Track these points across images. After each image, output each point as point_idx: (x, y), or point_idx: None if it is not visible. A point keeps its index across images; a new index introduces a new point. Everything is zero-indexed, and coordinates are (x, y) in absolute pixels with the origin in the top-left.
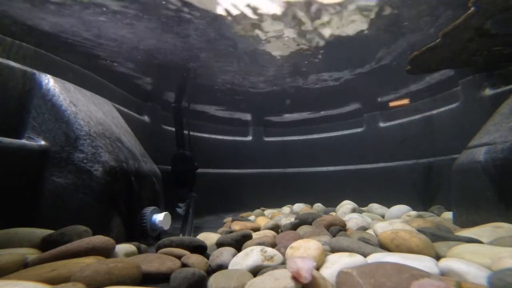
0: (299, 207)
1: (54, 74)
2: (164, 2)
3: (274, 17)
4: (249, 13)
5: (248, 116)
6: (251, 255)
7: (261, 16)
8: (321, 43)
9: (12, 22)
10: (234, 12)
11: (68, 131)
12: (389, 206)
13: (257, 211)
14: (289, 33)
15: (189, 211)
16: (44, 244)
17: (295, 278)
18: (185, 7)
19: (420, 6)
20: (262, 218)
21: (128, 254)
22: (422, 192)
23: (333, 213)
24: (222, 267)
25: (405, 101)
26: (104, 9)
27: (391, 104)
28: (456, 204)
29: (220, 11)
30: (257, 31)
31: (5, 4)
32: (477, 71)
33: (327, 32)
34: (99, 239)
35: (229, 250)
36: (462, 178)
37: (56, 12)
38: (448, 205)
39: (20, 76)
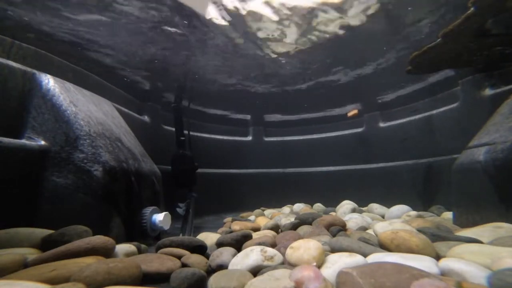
0: (299, 207)
1: (54, 74)
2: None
3: (275, 18)
4: (250, 12)
5: (248, 116)
6: (251, 255)
7: (262, 16)
8: (321, 42)
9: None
10: (234, 12)
11: (68, 131)
12: (389, 206)
13: (257, 211)
14: (290, 33)
15: (189, 211)
16: (44, 244)
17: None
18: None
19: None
20: (262, 218)
21: (128, 254)
22: (422, 192)
23: (333, 213)
24: (222, 267)
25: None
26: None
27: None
28: (456, 204)
29: (220, 10)
30: (258, 31)
31: None
32: (477, 71)
33: (327, 31)
34: (99, 239)
35: (229, 250)
36: (462, 178)
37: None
38: (448, 205)
39: (20, 76)
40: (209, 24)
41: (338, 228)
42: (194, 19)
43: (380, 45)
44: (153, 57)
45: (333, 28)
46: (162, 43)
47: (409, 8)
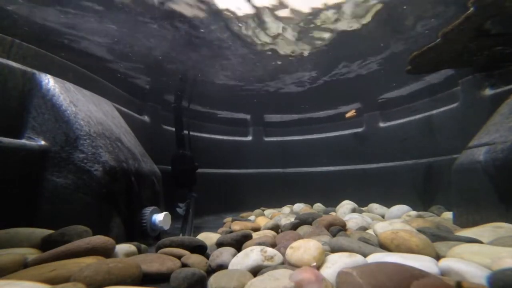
0: (299, 207)
1: (54, 74)
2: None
3: (275, 17)
4: (249, 12)
5: (248, 116)
6: (251, 255)
7: (261, 15)
8: (321, 42)
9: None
10: (234, 11)
11: (68, 131)
12: (389, 206)
13: (257, 211)
14: (289, 33)
15: (189, 211)
16: (44, 244)
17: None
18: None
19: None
20: (262, 218)
21: (128, 254)
22: (422, 192)
23: (333, 213)
24: (222, 267)
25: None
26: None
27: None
28: (456, 204)
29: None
30: (257, 31)
31: None
32: (477, 71)
33: (325, 31)
34: (99, 239)
35: (229, 250)
36: (462, 178)
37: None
38: (448, 205)
39: (20, 76)
40: (213, 21)
41: (338, 228)
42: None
43: (380, 43)
44: (155, 54)
45: (335, 28)
46: (166, 39)
47: (404, 7)
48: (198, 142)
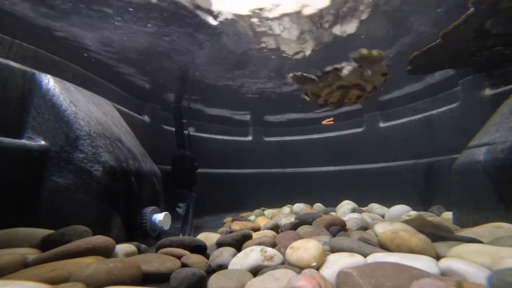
0: (299, 207)
1: (54, 74)
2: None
3: (277, 17)
4: (251, 12)
5: (248, 116)
6: (251, 255)
7: (263, 15)
8: (321, 41)
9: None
10: (235, 12)
11: (68, 131)
12: (389, 206)
13: (257, 211)
14: (290, 33)
15: (189, 211)
16: (44, 244)
17: None
18: (183, 8)
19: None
20: (262, 218)
21: (128, 254)
22: (422, 192)
23: (333, 213)
24: (222, 267)
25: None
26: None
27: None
28: (456, 204)
29: (220, 10)
30: (259, 31)
31: None
32: (477, 71)
33: (326, 30)
34: (99, 239)
35: (229, 250)
36: (462, 178)
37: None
38: (448, 205)
39: (20, 76)
40: (214, 19)
41: (338, 228)
42: (200, 13)
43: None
44: (155, 52)
45: (337, 27)
46: (168, 36)
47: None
48: (198, 142)
